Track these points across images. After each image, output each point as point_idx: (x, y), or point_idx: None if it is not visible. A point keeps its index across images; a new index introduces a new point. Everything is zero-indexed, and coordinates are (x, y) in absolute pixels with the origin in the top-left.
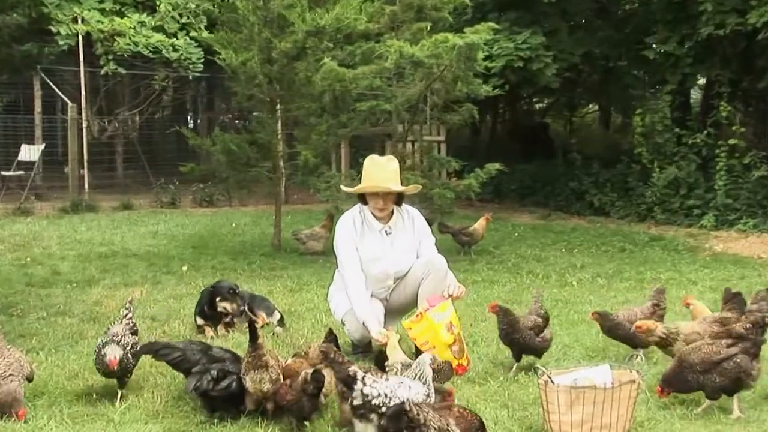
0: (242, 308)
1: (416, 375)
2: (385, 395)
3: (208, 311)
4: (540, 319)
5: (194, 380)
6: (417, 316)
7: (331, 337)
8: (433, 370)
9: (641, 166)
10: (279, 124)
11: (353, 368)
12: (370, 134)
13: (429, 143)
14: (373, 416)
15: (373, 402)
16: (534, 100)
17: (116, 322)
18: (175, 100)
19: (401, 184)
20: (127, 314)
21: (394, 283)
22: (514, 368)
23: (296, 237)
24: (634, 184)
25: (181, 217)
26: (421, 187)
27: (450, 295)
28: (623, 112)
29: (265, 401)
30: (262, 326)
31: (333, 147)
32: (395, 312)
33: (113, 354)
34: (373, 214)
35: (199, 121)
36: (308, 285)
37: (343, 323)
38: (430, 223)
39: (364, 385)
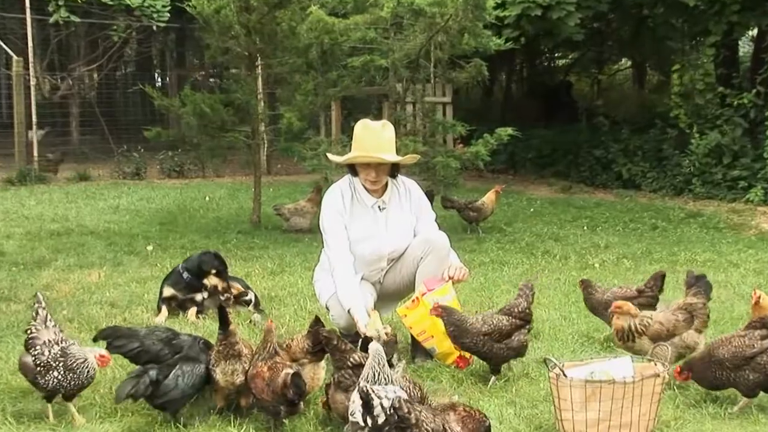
0: (229, 292)
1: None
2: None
3: (187, 285)
4: (512, 320)
5: (128, 386)
6: (413, 301)
7: (318, 325)
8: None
9: (678, 132)
10: (259, 82)
11: (357, 356)
12: (364, 95)
13: (432, 105)
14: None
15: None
16: (555, 55)
17: (39, 325)
18: (140, 54)
19: (398, 153)
20: (39, 313)
21: (388, 264)
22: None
23: (278, 212)
24: (669, 152)
25: (146, 189)
26: (419, 156)
27: (450, 278)
28: (660, 69)
29: (237, 396)
30: (237, 296)
31: (321, 109)
32: (389, 297)
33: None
34: (365, 187)
35: (167, 79)
36: (291, 267)
37: (327, 309)
38: (432, 196)
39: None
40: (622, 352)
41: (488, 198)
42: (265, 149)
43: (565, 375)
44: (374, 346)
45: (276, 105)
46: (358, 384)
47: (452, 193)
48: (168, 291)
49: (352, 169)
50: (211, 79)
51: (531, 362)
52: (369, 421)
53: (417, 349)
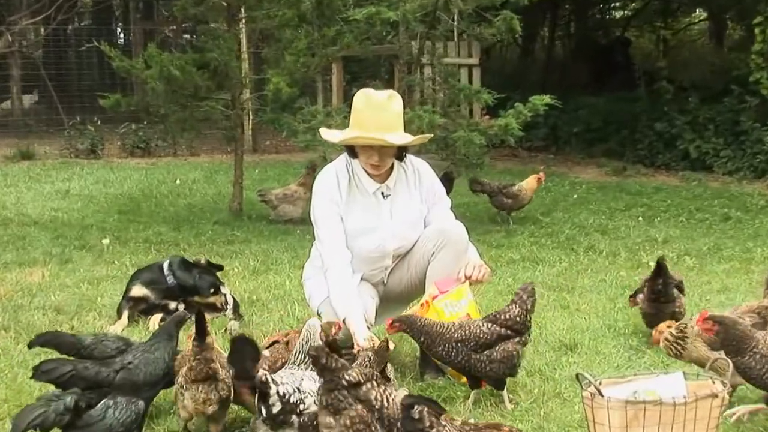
0: (226, 305)
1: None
2: (297, 390)
3: (166, 290)
4: (494, 327)
5: (32, 413)
6: (422, 305)
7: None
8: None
9: (760, 100)
10: (242, 39)
11: (354, 374)
12: (371, 55)
13: (455, 67)
14: (293, 418)
15: (291, 400)
16: (610, 5)
17: None
18: (97, 4)
19: (407, 129)
20: None
21: (392, 262)
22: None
23: (264, 198)
24: (748, 125)
25: (102, 170)
26: (430, 136)
27: (467, 277)
28: (743, 22)
29: (208, 421)
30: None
31: (318, 72)
32: (395, 300)
33: None
34: (365, 170)
35: (130, 35)
36: (278, 264)
37: (319, 315)
38: (451, 179)
39: (277, 385)
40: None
41: (527, 184)
42: (249, 122)
43: (601, 394)
44: (312, 323)
45: (262, 67)
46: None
47: (480, 175)
48: (139, 290)
49: (350, 149)
50: (185, 36)
51: (564, 380)
52: (263, 411)
53: (427, 364)
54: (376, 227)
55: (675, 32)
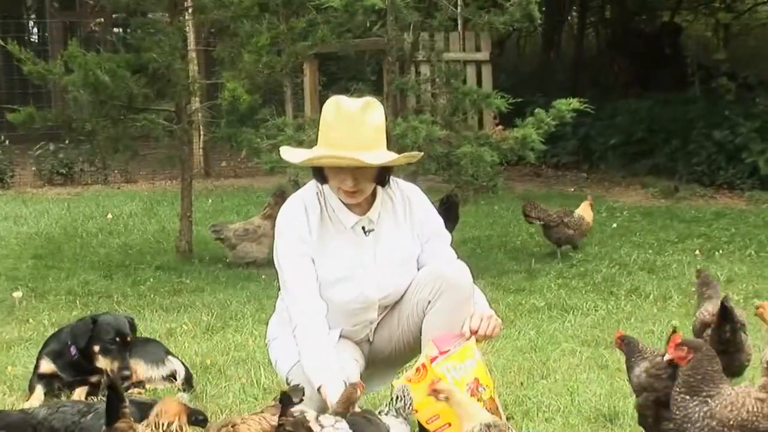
0: (125, 369)
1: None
2: None
3: (74, 364)
4: None
5: None
6: (418, 370)
7: (287, 402)
8: None
9: None
10: (189, 34)
11: None
12: (351, 51)
13: (459, 65)
14: None
15: None
16: None
17: None
18: None
19: (390, 146)
20: None
21: (379, 315)
22: None
23: (219, 236)
24: None
25: (13, 203)
26: (420, 155)
27: (473, 332)
28: None
29: None
30: (135, 388)
31: (284, 75)
32: (383, 363)
33: None
34: (341, 200)
35: (47, 30)
36: (238, 319)
37: (287, 384)
38: (454, 206)
39: None
40: None
41: (584, 211)
42: (200, 138)
43: None
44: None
45: (214, 70)
46: None
47: (495, 197)
48: (47, 366)
49: (319, 173)
50: (115, 30)
51: None
52: None
53: None
54: (355, 272)
55: (737, 16)
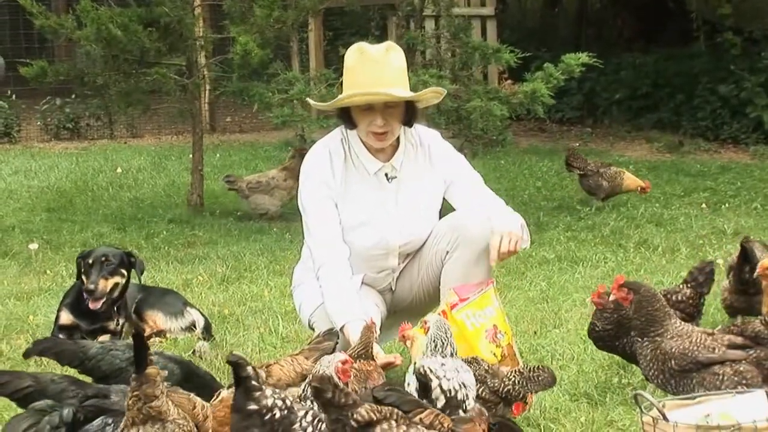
0: (120, 318)
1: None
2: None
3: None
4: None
5: (20, 426)
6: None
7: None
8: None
9: None
10: None
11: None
12: (357, 6)
13: (466, 20)
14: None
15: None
16: None
17: None
18: None
19: (411, 91)
20: None
21: (401, 263)
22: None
23: (233, 186)
24: None
25: (21, 157)
26: (444, 92)
27: (503, 256)
28: None
29: None
30: (156, 337)
31: (293, 29)
32: (406, 311)
33: None
34: (365, 146)
35: None
36: (253, 271)
37: (311, 327)
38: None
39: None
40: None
41: (629, 178)
42: (206, 94)
43: (666, 419)
44: (433, 318)
45: (223, 25)
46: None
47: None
48: (66, 317)
49: (347, 118)
50: None
51: (616, 405)
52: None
53: None
54: (377, 218)
55: None
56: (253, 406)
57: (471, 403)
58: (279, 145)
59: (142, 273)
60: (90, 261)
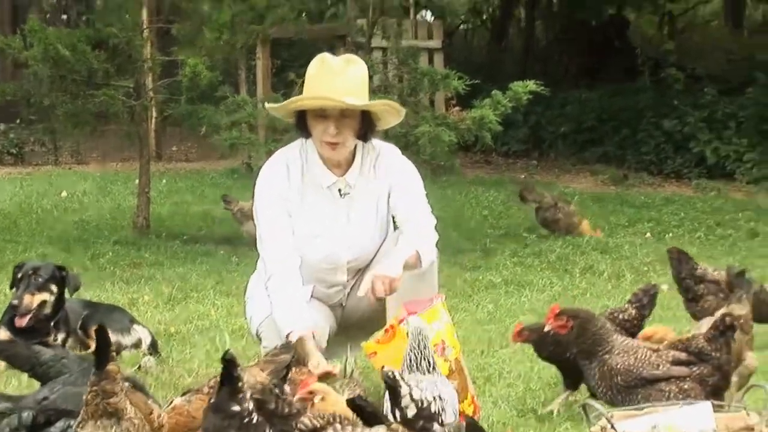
0: (60, 333)
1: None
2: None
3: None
4: None
5: None
6: (386, 331)
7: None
8: None
9: None
10: (144, 10)
11: (308, 421)
12: (305, 36)
13: (412, 49)
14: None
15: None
16: None
17: None
18: None
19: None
20: None
21: (351, 278)
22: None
23: (229, 207)
24: None
25: None
26: (399, 107)
27: (386, 293)
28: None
29: None
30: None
31: (242, 53)
32: (356, 328)
33: None
34: (322, 159)
35: None
36: (200, 291)
37: (258, 338)
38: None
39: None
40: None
41: (585, 225)
42: (153, 121)
43: (614, 428)
44: (415, 322)
45: (171, 50)
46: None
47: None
48: (3, 334)
49: (302, 125)
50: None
51: (563, 420)
52: (397, 414)
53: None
54: (327, 231)
55: (683, 12)
56: (236, 408)
57: (449, 417)
58: (225, 173)
59: (76, 290)
60: (19, 275)
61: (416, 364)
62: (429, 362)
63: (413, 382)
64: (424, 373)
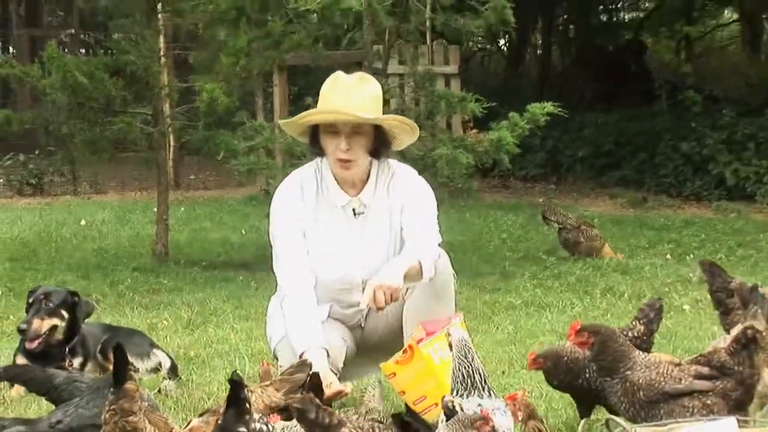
0: (76, 359)
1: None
2: None
3: (43, 354)
4: None
5: None
6: (405, 351)
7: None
8: None
9: None
10: (161, 37)
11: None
12: (322, 62)
13: (429, 73)
14: None
15: None
16: (619, 5)
17: None
18: None
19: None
20: None
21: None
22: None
23: None
24: None
25: None
26: (413, 123)
27: (387, 302)
28: None
29: None
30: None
31: (258, 79)
32: (375, 349)
33: None
34: (336, 179)
35: (11, 42)
36: (219, 315)
37: (275, 357)
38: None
39: None
40: None
41: (607, 248)
42: (171, 149)
43: None
44: (458, 334)
45: (185, 76)
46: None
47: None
48: (20, 360)
49: (315, 142)
50: (87, 35)
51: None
52: None
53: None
54: (342, 250)
55: (700, 37)
56: (242, 429)
57: None
58: (243, 200)
59: (88, 315)
60: (30, 300)
61: (470, 380)
62: (481, 374)
63: (472, 405)
64: (481, 390)
